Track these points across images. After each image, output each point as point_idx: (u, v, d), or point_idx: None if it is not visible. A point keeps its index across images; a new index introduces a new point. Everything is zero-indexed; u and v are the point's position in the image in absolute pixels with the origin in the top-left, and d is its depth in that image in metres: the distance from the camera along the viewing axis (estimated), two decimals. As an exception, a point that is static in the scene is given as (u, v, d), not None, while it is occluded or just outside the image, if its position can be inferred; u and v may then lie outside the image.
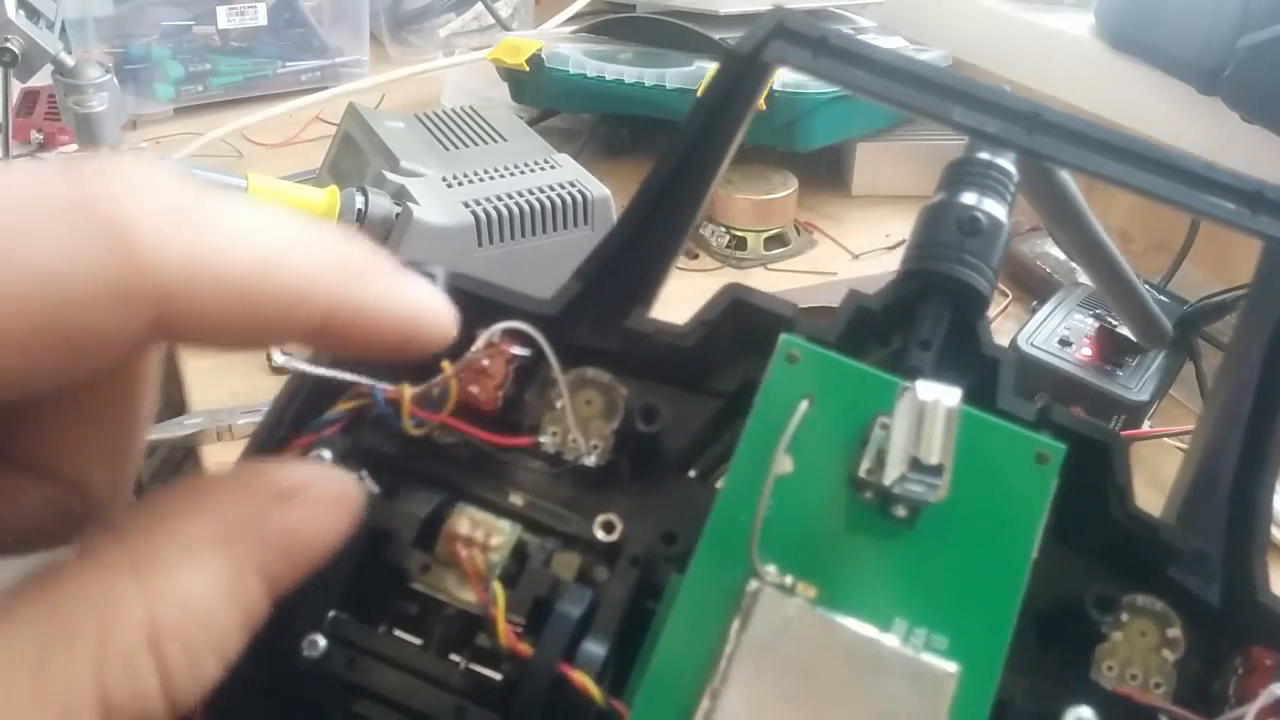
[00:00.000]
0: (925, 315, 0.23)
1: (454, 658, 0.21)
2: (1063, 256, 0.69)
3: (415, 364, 0.19)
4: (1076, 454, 0.21)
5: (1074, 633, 0.22)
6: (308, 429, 0.22)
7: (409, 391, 0.22)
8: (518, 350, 0.23)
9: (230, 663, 0.16)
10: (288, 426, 0.22)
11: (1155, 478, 0.53)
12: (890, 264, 0.78)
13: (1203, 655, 0.22)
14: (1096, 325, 0.59)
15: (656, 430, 0.22)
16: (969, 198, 0.24)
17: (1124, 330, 0.57)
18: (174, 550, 0.15)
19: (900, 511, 0.20)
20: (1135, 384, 0.56)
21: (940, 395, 0.18)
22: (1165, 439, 0.57)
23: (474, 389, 0.23)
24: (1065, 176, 0.26)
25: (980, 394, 0.22)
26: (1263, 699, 0.20)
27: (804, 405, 0.21)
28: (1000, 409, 0.22)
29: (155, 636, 0.14)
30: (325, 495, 0.17)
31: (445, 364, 0.22)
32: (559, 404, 0.23)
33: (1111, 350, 0.57)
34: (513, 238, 0.62)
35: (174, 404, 0.59)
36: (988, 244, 0.23)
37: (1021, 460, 0.20)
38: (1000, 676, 0.19)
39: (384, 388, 0.22)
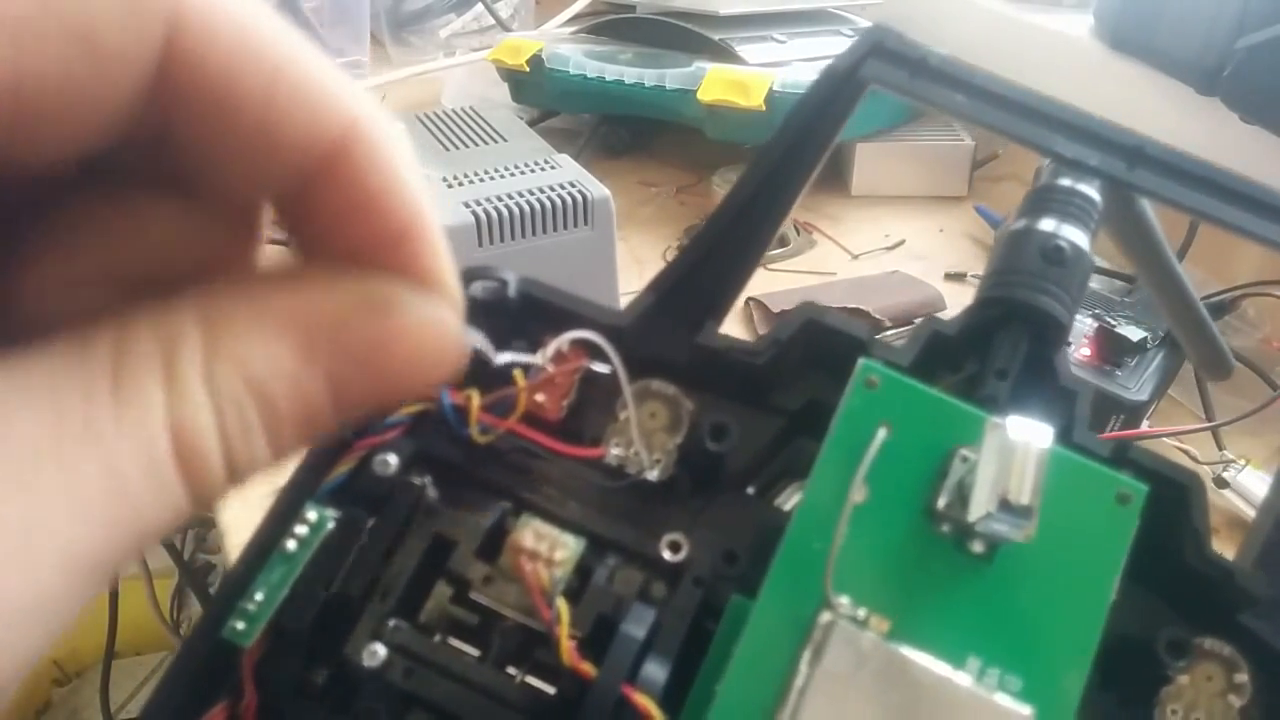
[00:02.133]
0: (1003, 343, 0.23)
1: (511, 671, 0.21)
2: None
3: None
4: (1153, 493, 0.21)
5: (1139, 673, 0.22)
6: (371, 431, 0.22)
7: (477, 397, 0.22)
8: (589, 363, 0.22)
9: (282, 459, 0.15)
10: (350, 428, 0.22)
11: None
12: (889, 264, 0.78)
13: (1269, 703, 0.21)
14: (1095, 325, 0.59)
15: (725, 449, 0.22)
16: (1050, 224, 0.23)
17: (1123, 331, 0.57)
18: (245, 315, 0.14)
19: (977, 547, 0.19)
20: (1134, 384, 0.55)
21: (1032, 434, 0.18)
22: (1164, 439, 0.57)
23: (540, 397, 0.22)
24: (1145, 205, 0.26)
25: (1055, 426, 0.22)
26: (1331, 752, 0.20)
27: (882, 433, 0.20)
28: (1076, 443, 0.22)
29: (212, 383, 0.14)
30: (423, 318, 0.15)
31: (516, 373, 0.22)
32: (623, 416, 0.23)
33: (1110, 350, 0.57)
34: (513, 238, 0.62)
35: None
36: (1070, 273, 0.23)
37: (1103, 500, 0.20)
38: (1074, 721, 0.19)
39: (450, 392, 0.22)
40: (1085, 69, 0.80)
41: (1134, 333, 0.57)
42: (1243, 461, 0.55)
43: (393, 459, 0.21)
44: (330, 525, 0.21)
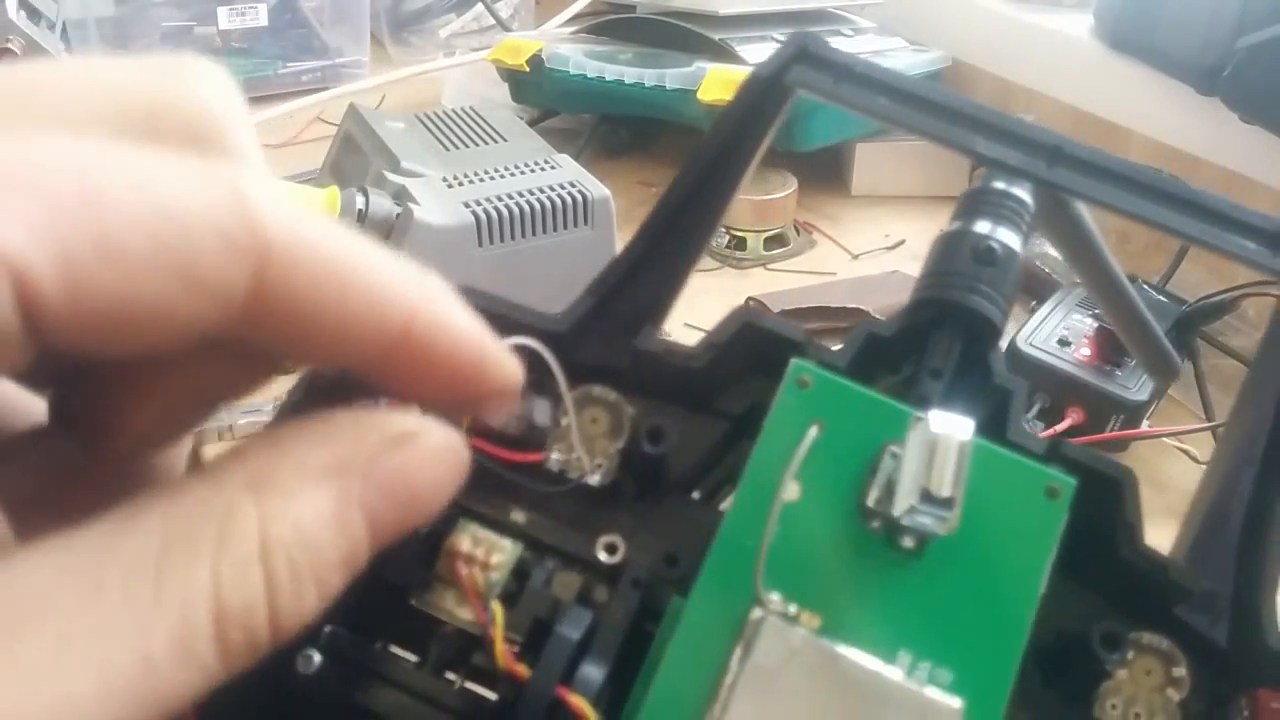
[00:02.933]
0: (937, 344, 0.23)
1: (450, 676, 0.21)
2: (1062, 256, 0.69)
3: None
4: (1086, 488, 0.21)
5: (1078, 669, 0.22)
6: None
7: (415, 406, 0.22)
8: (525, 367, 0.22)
9: (328, 601, 0.16)
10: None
11: (1154, 478, 0.53)
12: (889, 264, 0.78)
13: (1208, 696, 0.22)
14: (1095, 325, 0.59)
15: (663, 452, 0.22)
16: (984, 226, 0.24)
17: None
18: (288, 473, 0.16)
19: (908, 542, 0.20)
20: (1134, 384, 0.55)
21: (953, 427, 0.18)
22: (1164, 439, 0.57)
23: (479, 403, 0.23)
24: (1081, 208, 0.26)
25: (990, 425, 0.22)
26: (1269, 743, 0.20)
27: (813, 431, 0.20)
28: (1010, 440, 0.22)
29: (267, 549, 0.15)
30: (437, 444, 0.17)
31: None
32: (564, 422, 0.23)
33: (1110, 350, 0.57)
34: (513, 238, 0.62)
35: None
36: (1002, 274, 0.23)
37: (1032, 494, 0.20)
38: (1004, 714, 0.19)
39: (388, 401, 0.22)
40: (1085, 69, 0.80)
41: None
42: None
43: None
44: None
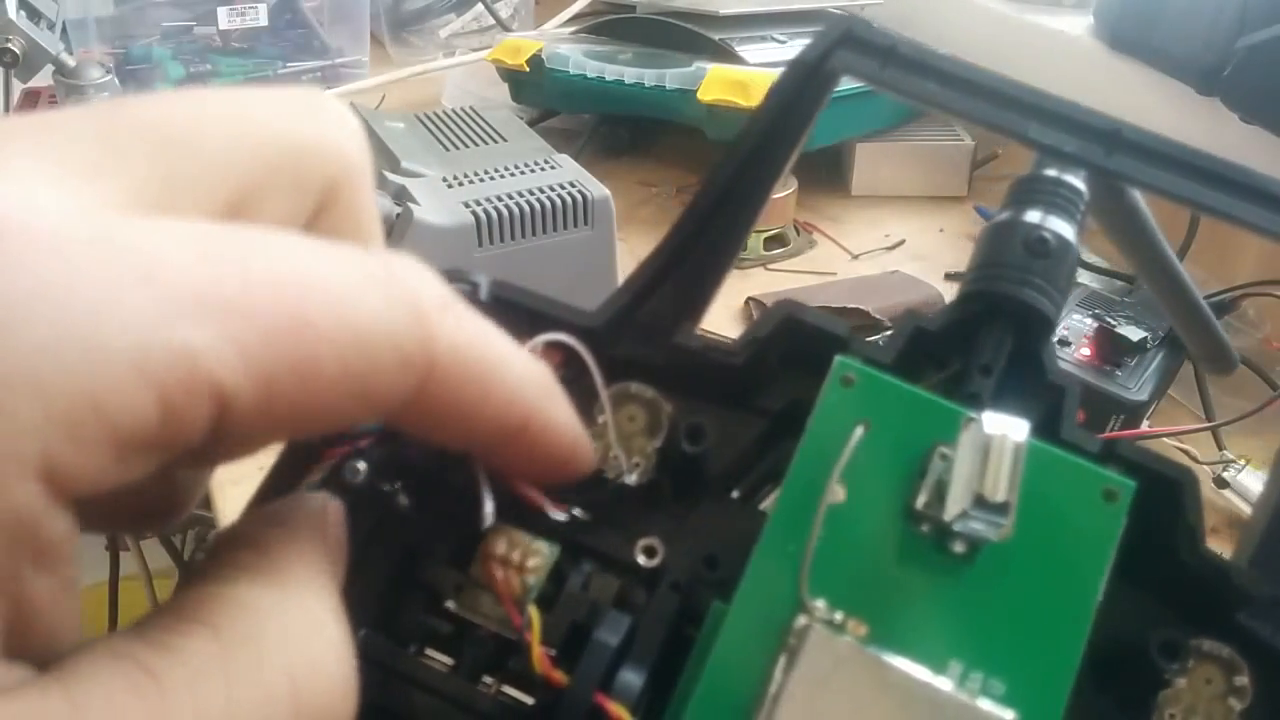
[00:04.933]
0: (987, 339, 0.22)
1: (486, 681, 0.20)
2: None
3: None
4: (1144, 490, 0.20)
5: (1135, 677, 0.21)
6: (342, 440, 0.21)
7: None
8: (560, 364, 0.22)
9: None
10: (319, 437, 0.21)
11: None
12: (889, 264, 0.78)
13: (1272, 706, 0.21)
14: (1095, 325, 0.59)
15: (701, 450, 0.21)
16: (1035, 216, 0.23)
17: (1123, 331, 0.57)
18: (306, 570, 0.17)
19: (958, 547, 0.19)
20: (1134, 384, 0.55)
21: (1008, 429, 0.17)
22: (1164, 439, 0.56)
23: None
24: (1136, 195, 0.25)
25: (1043, 425, 0.21)
26: (1335, 756, 0.19)
27: (859, 432, 0.20)
28: (1064, 440, 0.21)
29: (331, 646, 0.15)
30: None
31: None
32: (601, 419, 0.22)
33: (1110, 350, 0.57)
34: (513, 238, 0.62)
35: None
36: (1055, 266, 0.22)
37: (1089, 497, 0.19)
38: (1060, 725, 0.18)
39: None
40: (1085, 69, 0.79)
41: (1134, 333, 0.57)
42: (1243, 461, 0.54)
43: (362, 466, 0.21)
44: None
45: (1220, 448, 0.56)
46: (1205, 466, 0.54)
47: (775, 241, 0.78)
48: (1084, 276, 0.68)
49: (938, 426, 0.20)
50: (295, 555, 0.16)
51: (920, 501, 0.19)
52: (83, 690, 0.13)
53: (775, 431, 0.23)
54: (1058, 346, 0.57)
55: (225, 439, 0.14)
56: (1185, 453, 0.55)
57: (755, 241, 0.77)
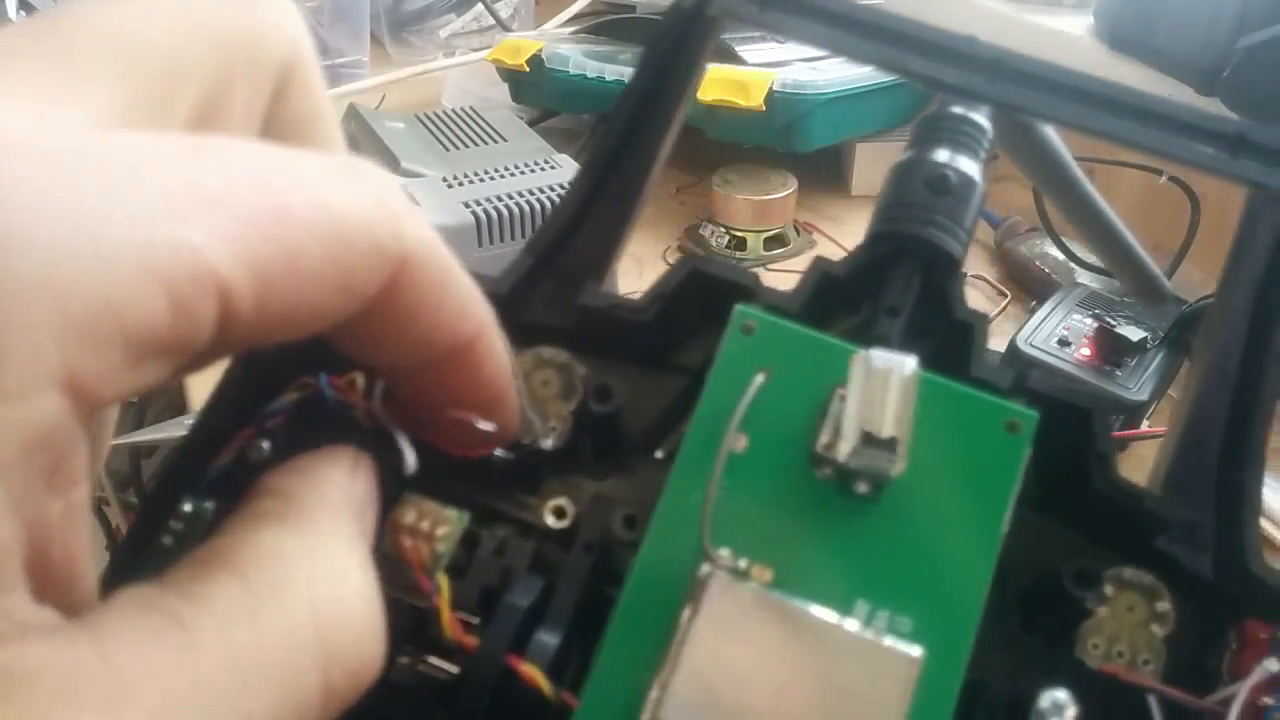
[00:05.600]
0: (894, 280, 0.22)
1: (408, 650, 0.20)
2: (1062, 256, 0.70)
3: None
4: (1056, 422, 0.20)
5: (1057, 610, 0.21)
6: (251, 421, 0.21)
7: (360, 380, 0.21)
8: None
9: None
10: (230, 418, 0.21)
11: (1156, 476, 0.52)
12: None
13: (1194, 630, 0.21)
14: (1095, 325, 0.59)
15: (611, 410, 0.21)
16: (940, 155, 0.23)
17: (1123, 330, 0.57)
18: (332, 518, 0.17)
19: (861, 487, 0.19)
20: (1134, 384, 0.55)
21: (894, 363, 0.17)
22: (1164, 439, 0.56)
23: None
24: (1048, 130, 0.25)
25: (953, 361, 0.21)
26: (1257, 674, 0.19)
27: (759, 379, 0.20)
28: (974, 376, 0.21)
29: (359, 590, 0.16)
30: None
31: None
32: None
33: (1110, 350, 0.57)
34: (513, 238, 0.62)
35: (174, 404, 0.59)
36: (959, 203, 0.22)
37: (990, 430, 0.19)
38: (968, 659, 0.18)
39: (329, 377, 0.21)
40: (1085, 69, 0.79)
41: (1134, 333, 0.57)
42: None
43: (267, 445, 0.21)
44: (209, 518, 0.20)
45: None
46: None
47: (775, 241, 0.78)
48: (1084, 276, 0.68)
49: (838, 368, 0.19)
50: (321, 504, 0.17)
51: (820, 444, 0.19)
52: (112, 640, 0.13)
53: (696, 389, 0.23)
54: (1058, 347, 0.57)
55: (224, 342, 0.14)
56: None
57: (755, 241, 0.77)
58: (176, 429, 0.55)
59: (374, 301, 0.16)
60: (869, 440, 0.17)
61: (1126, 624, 0.21)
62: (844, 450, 0.17)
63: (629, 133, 0.21)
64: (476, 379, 0.18)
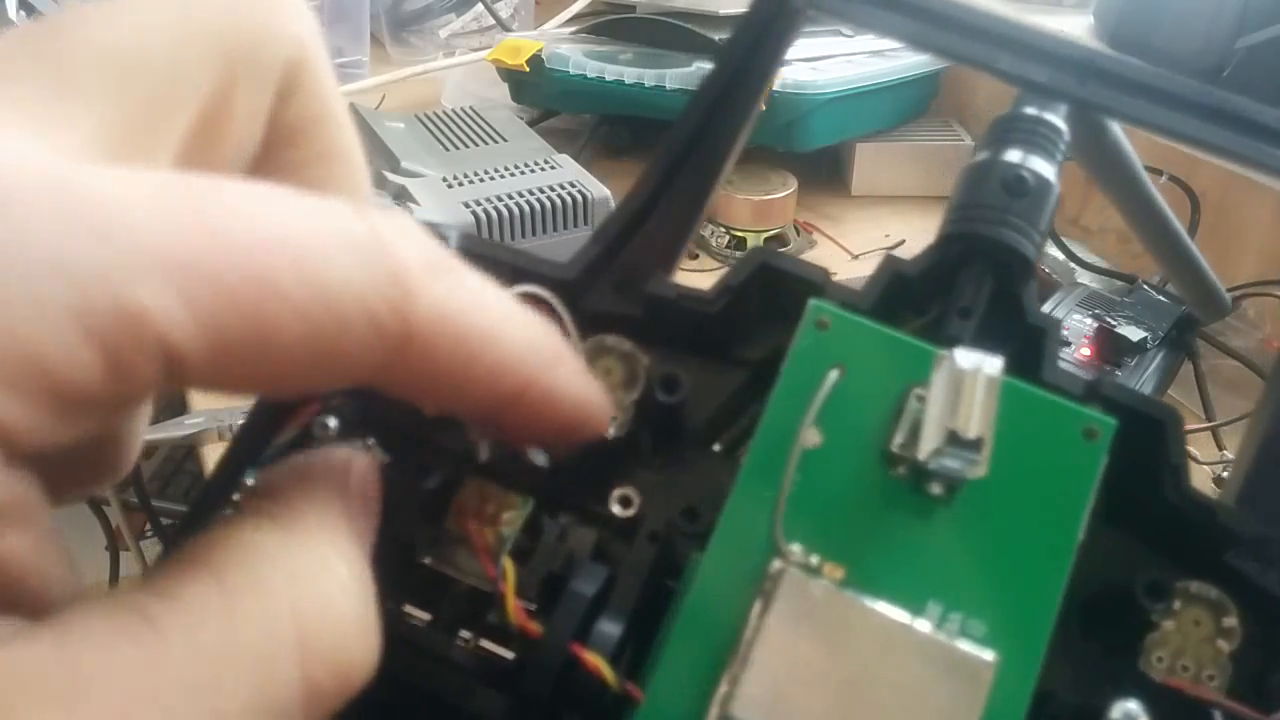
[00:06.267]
0: (966, 281, 0.22)
1: (464, 635, 0.20)
2: (1062, 256, 0.70)
3: None
4: (1128, 430, 0.20)
5: (1122, 621, 0.21)
6: (319, 397, 0.21)
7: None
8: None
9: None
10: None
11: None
12: None
13: (1262, 647, 0.20)
14: (1095, 326, 0.59)
15: (677, 401, 0.21)
16: (1014, 155, 0.22)
17: (1123, 330, 0.57)
18: (320, 517, 0.16)
19: (935, 488, 0.19)
20: (1134, 384, 0.55)
21: (981, 363, 0.17)
22: None
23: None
24: (1118, 134, 0.25)
25: (1024, 366, 0.21)
26: (1326, 694, 0.19)
27: (834, 375, 0.19)
28: (1045, 381, 0.21)
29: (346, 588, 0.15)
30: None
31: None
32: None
33: (1110, 350, 0.57)
34: (513, 238, 0.62)
35: (174, 404, 0.59)
36: (1035, 205, 0.22)
37: (1068, 436, 0.19)
38: (1041, 667, 0.18)
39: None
40: None
41: (1134, 333, 0.57)
42: None
43: (333, 422, 0.21)
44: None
45: (1220, 448, 0.56)
46: (1205, 467, 0.54)
47: (775, 241, 0.78)
48: (1084, 277, 0.69)
49: (914, 368, 0.19)
50: (308, 503, 0.16)
51: (896, 443, 0.19)
52: (75, 637, 0.13)
53: (757, 383, 0.23)
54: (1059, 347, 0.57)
55: (180, 387, 0.14)
56: (1186, 453, 0.55)
57: (755, 241, 0.77)
58: (177, 429, 0.55)
59: (379, 371, 0.15)
60: (953, 440, 0.17)
61: (1192, 638, 0.20)
62: (926, 449, 0.17)
63: (706, 122, 0.21)
64: (534, 422, 0.18)
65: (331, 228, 0.14)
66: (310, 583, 0.15)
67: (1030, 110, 0.22)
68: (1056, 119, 0.22)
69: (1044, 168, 0.22)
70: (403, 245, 0.15)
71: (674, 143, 0.21)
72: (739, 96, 0.21)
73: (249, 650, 0.13)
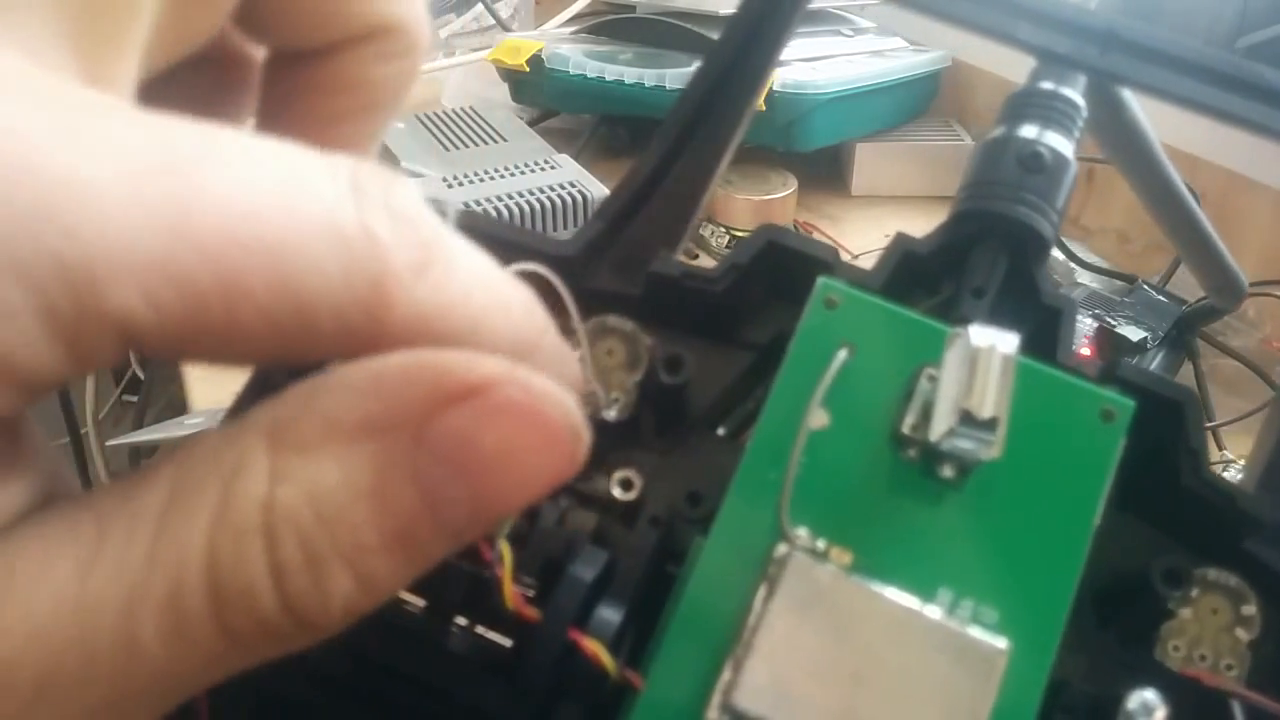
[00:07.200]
0: (979, 260, 0.21)
1: (460, 621, 0.20)
2: (1062, 256, 0.69)
3: None
4: (1145, 413, 0.19)
5: (1138, 609, 0.20)
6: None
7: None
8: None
9: (382, 593, 0.14)
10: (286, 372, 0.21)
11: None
12: None
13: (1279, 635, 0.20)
14: (1095, 325, 0.59)
15: (681, 382, 0.21)
16: (1030, 131, 0.22)
17: (1123, 330, 0.56)
18: (314, 426, 0.13)
19: (947, 471, 0.18)
20: None
21: (996, 341, 0.16)
22: None
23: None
24: (1136, 109, 0.24)
25: (1039, 347, 0.20)
26: (1349, 685, 0.18)
27: (842, 354, 0.19)
28: (1061, 363, 0.20)
29: (270, 520, 0.12)
30: (522, 402, 0.13)
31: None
32: (578, 353, 0.21)
33: (1110, 350, 0.56)
34: None
35: (174, 404, 0.58)
36: (1052, 182, 0.21)
37: (1085, 417, 0.18)
38: (1056, 654, 0.17)
39: None
40: None
41: (1134, 333, 0.57)
42: (1243, 461, 0.53)
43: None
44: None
45: (1220, 448, 0.56)
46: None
47: None
48: (1084, 276, 0.68)
49: (925, 347, 0.19)
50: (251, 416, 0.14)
51: (907, 425, 0.18)
52: (20, 539, 0.12)
53: (762, 365, 0.23)
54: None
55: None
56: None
57: None
58: (176, 429, 0.55)
59: (346, 359, 0.14)
60: (967, 420, 0.16)
61: (1210, 627, 0.20)
62: (938, 430, 0.17)
63: (711, 98, 0.20)
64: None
65: (320, 220, 0.13)
66: (241, 514, 0.13)
67: (1047, 85, 0.22)
68: (1074, 93, 0.22)
69: (1061, 144, 0.21)
70: (393, 244, 0.13)
71: (677, 118, 0.20)
72: (745, 71, 0.20)
73: (162, 580, 0.12)
